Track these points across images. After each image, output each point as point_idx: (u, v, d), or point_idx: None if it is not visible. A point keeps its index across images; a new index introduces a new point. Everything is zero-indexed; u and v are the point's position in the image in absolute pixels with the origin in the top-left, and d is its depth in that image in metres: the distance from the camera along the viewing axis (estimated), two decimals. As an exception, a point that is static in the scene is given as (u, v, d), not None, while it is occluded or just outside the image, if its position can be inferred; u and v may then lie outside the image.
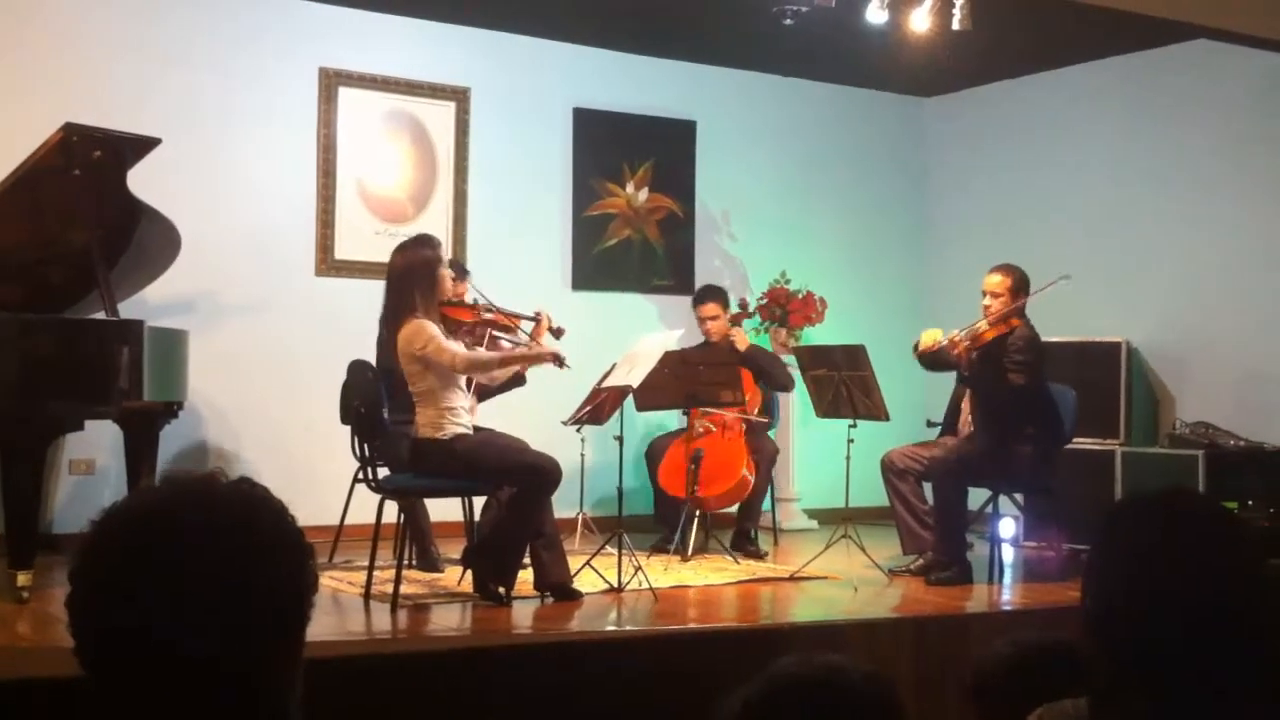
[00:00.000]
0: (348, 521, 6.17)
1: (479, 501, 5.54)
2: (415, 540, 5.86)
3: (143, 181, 5.51)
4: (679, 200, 8.21)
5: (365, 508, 5.64)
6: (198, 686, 1.32)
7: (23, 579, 4.75)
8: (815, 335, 7.83)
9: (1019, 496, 6.49)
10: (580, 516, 6.82)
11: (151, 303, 6.09)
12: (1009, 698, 2.13)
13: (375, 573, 5.22)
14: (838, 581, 5.81)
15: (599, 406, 5.63)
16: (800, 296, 7.84)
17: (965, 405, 6.26)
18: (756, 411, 6.84)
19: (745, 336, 7.19)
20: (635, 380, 5.59)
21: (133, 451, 5.68)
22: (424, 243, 5.35)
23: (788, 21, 6.63)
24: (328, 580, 5.49)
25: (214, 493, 1.39)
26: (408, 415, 5.33)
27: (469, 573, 5.31)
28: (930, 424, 6.69)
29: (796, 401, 7.69)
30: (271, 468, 6.48)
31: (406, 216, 7.36)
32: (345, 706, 3.46)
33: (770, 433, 7.16)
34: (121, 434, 5.71)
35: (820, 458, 7.56)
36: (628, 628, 4.91)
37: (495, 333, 5.44)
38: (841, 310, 8.05)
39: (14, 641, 4.31)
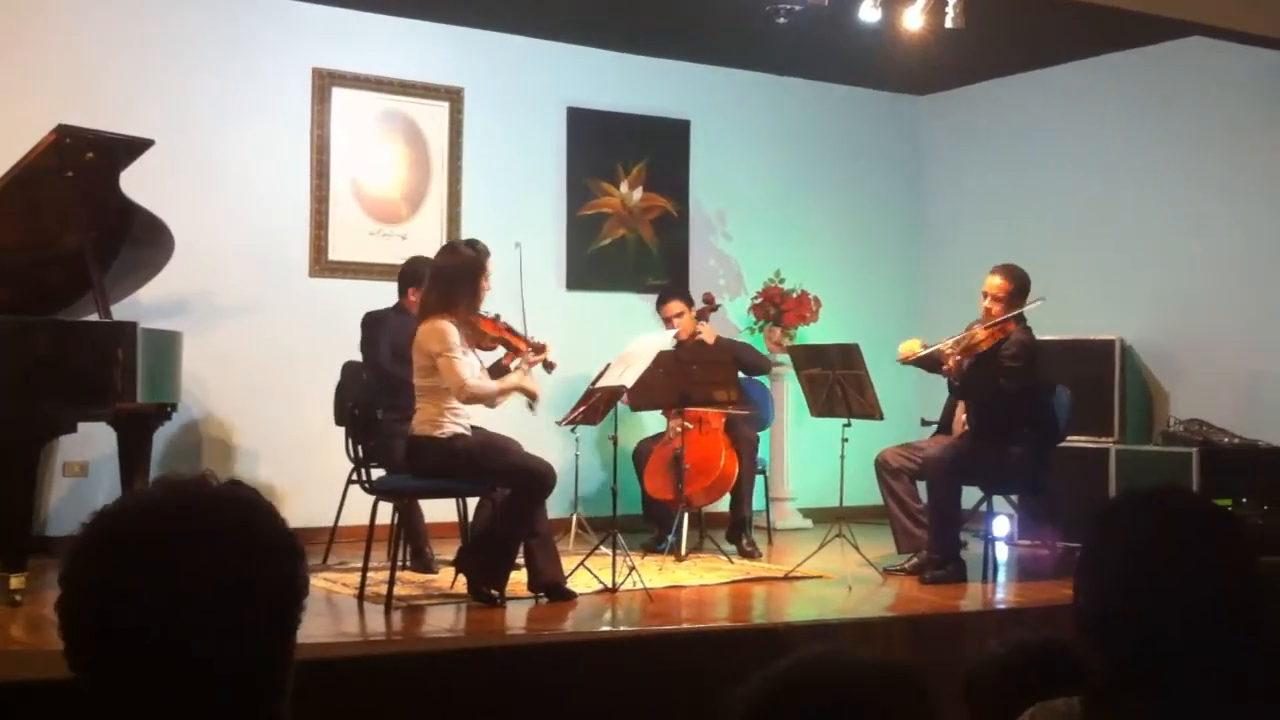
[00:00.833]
0: (342, 523, 6.16)
1: (473, 502, 5.54)
2: (410, 541, 5.85)
3: (136, 183, 5.51)
4: (673, 199, 8.21)
5: (360, 509, 5.63)
6: (192, 687, 1.32)
7: (16, 582, 4.75)
8: (810, 334, 7.82)
9: (1013, 495, 6.49)
10: (574, 517, 6.81)
11: (145, 304, 6.07)
12: (1001, 696, 2.13)
13: (369, 574, 5.22)
14: (832, 581, 5.81)
15: (593, 407, 5.63)
16: (795, 295, 7.83)
17: (960, 404, 6.26)
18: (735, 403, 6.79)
19: (712, 330, 7.15)
20: (629, 380, 5.59)
21: (126, 453, 5.66)
22: (476, 247, 5.34)
23: (781, 20, 6.63)
24: (322, 582, 5.49)
25: (206, 494, 1.39)
26: (400, 414, 5.32)
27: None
28: (924, 423, 6.70)
29: (791, 401, 7.70)
30: (266, 469, 6.46)
31: (401, 217, 7.34)
32: (339, 708, 3.46)
33: (765, 430, 7.14)
34: (115, 436, 5.69)
35: (814, 457, 7.56)
36: (622, 628, 4.91)
37: (505, 348, 5.48)
38: (836, 309, 8.04)
39: (7, 644, 4.30)
